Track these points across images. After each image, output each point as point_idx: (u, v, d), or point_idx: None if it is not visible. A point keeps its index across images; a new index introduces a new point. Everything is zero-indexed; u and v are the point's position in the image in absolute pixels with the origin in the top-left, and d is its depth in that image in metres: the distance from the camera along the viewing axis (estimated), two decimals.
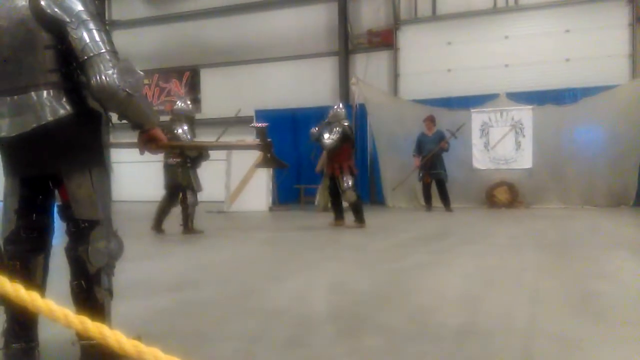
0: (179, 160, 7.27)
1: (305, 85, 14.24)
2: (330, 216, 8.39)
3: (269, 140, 2.80)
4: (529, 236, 6.95)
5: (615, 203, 10.84)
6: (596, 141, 11.17)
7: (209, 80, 15.62)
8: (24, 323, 2.22)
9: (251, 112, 13.43)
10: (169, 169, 7.42)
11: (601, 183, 11.04)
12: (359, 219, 7.89)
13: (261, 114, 13.27)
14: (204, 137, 9.60)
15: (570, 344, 2.59)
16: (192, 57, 15.57)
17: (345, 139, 7.90)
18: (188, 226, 7.44)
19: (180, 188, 7.45)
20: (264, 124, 7.58)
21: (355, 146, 8.58)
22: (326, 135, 7.88)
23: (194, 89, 15.89)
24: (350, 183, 7.84)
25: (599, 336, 2.72)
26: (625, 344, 2.62)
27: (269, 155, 2.84)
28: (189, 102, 7.83)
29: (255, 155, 9.28)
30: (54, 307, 1.24)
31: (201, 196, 7.86)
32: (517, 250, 5.70)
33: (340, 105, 8.31)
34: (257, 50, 14.69)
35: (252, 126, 7.36)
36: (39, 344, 2.31)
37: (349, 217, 8.00)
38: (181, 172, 7.33)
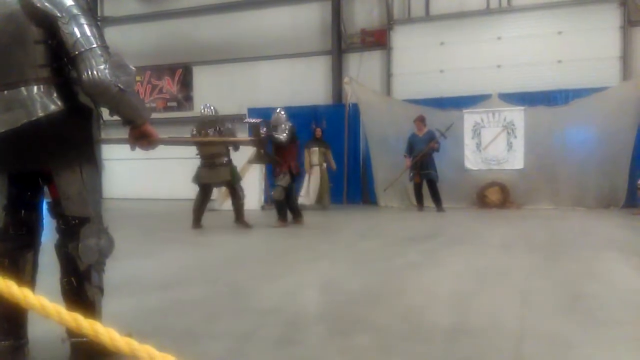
0: (226, 159, 7.61)
1: (298, 84, 14.21)
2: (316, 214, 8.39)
3: (262, 136, 2.80)
4: (519, 237, 6.97)
5: (605, 204, 10.90)
6: (587, 142, 11.21)
7: (202, 78, 15.55)
8: (13, 320, 2.21)
9: (244, 110, 13.42)
10: (211, 167, 7.68)
11: (592, 184, 11.09)
12: (281, 217, 8.07)
13: (254, 112, 13.21)
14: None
15: (561, 343, 2.60)
16: (185, 55, 15.50)
17: (293, 138, 8.03)
18: (241, 219, 7.80)
19: (212, 186, 7.99)
20: (258, 120, 7.60)
21: (298, 146, 8.72)
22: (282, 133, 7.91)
23: (186, 86, 15.82)
24: (283, 182, 7.96)
25: (588, 336, 2.74)
26: (615, 344, 2.64)
27: (262, 150, 2.83)
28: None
29: (248, 153, 9.26)
30: (46, 304, 1.23)
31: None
32: (507, 251, 5.72)
33: (282, 111, 8.25)
34: (250, 48, 14.64)
35: (246, 122, 7.38)
36: (29, 341, 2.29)
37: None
38: (229, 169, 7.72)
